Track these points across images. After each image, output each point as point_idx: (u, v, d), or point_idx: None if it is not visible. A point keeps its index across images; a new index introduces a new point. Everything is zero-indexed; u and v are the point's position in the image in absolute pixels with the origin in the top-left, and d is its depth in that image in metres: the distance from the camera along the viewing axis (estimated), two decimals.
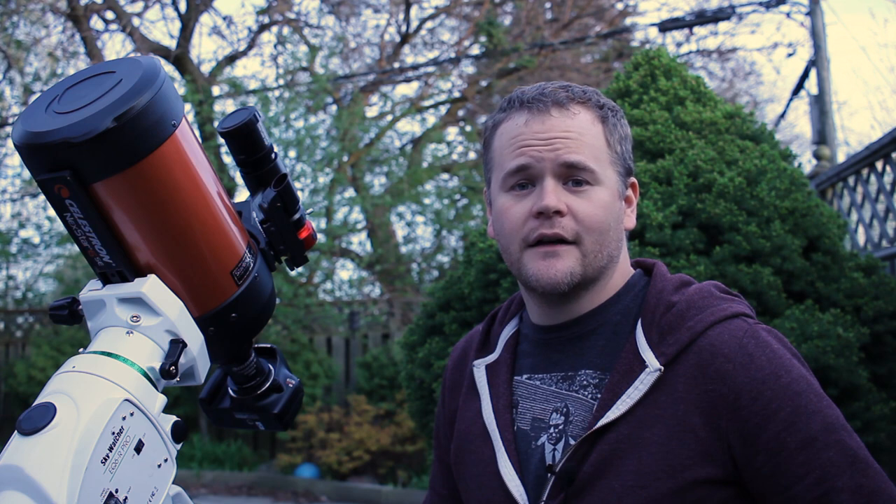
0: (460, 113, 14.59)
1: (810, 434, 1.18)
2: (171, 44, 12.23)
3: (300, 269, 10.30)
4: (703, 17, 11.88)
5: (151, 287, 0.92)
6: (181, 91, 10.38)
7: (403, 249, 13.55)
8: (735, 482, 1.22)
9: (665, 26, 11.59)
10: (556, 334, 1.37)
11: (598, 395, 1.28)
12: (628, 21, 14.53)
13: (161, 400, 0.90)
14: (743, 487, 1.22)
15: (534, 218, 1.29)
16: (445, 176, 14.38)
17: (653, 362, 1.24)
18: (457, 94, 14.15)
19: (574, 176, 1.29)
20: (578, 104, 1.33)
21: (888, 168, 5.21)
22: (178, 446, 0.91)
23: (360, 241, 13.92)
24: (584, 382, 1.31)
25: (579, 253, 1.29)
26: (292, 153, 10.98)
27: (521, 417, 1.37)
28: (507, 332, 1.47)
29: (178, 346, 0.92)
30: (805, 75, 10.66)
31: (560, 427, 1.31)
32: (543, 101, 1.32)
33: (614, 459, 1.22)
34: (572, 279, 1.29)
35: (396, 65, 14.12)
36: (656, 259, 2.99)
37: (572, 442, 1.27)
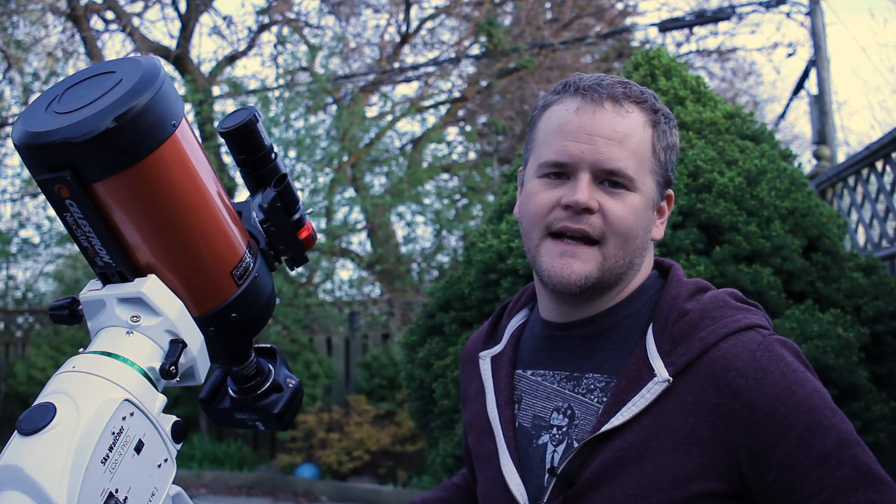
0: (460, 113, 14.59)
1: (824, 451, 1.16)
2: (171, 44, 12.24)
3: (300, 269, 10.30)
4: (703, 17, 11.88)
5: (151, 287, 0.92)
6: (181, 91, 10.38)
7: (403, 249, 13.55)
8: (739, 496, 1.20)
9: (665, 26, 11.59)
10: (564, 332, 1.35)
11: (605, 400, 1.26)
12: (628, 21, 14.53)
13: (161, 400, 0.90)
14: (747, 501, 1.20)
15: (561, 209, 1.27)
16: (445, 176, 14.38)
17: (662, 372, 1.22)
18: (457, 94, 14.14)
19: (611, 178, 1.27)
20: (633, 103, 1.29)
21: (888, 168, 5.21)
22: (178, 446, 0.91)
23: (360, 241, 13.93)
24: (591, 386, 1.29)
25: (601, 256, 1.26)
26: (292, 153, 10.98)
27: (523, 414, 1.35)
28: (515, 323, 1.45)
29: (178, 346, 0.92)
30: (805, 75, 10.66)
31: (564, 429, 1.29)
32: (599, 91, 1.28)
33: (618, 467, 1.21)
34: (586, 283, 1.26)
35: (396, 65, 14.11)
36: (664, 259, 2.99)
37: (576, 445, 1.26)
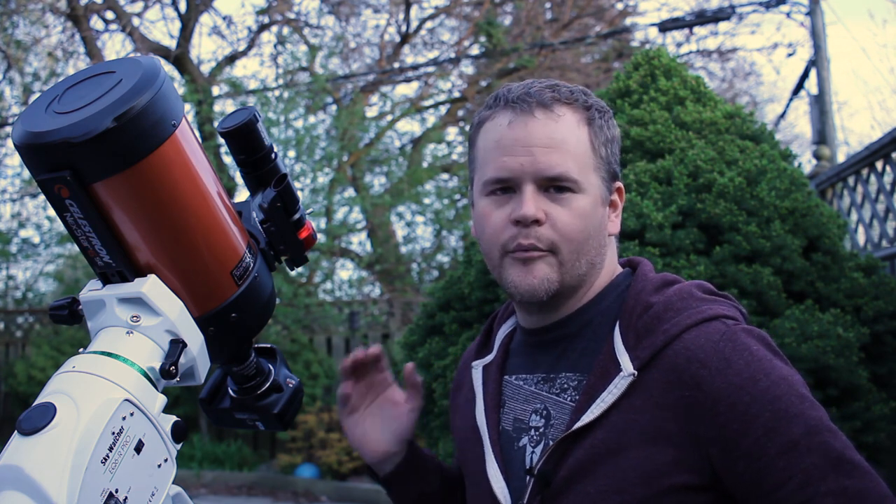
0: (460, 113, 14.58)
1: (791, 439, 1.15)
2: (171, 44, 12.25)
3: (300, 269, 10.30)
4: (703, 17, 11.88)
5: (151, 287, 0.92)
6: (181, 91, 10.37)
7: (403, 249, 13.55)
8: (713, 488, 1.20)
9: (665, 26, 11.59)
10: (540, 336, 1.36)
11: (577, 398, 1.27)
12: (628, 21, 14.53)
13: (161, 400, 0.90)
14: (722, 493, 1.20)
15: (512, 225, 1.28)
16: (445, 176, 14.37)
17: (627, 366, 1.22)
18: (457, 94, 14.15)
19: (555, 185, 1.27)
20: (564, 105, 1.29)
21: (888, 168, 5.21)
22: (178, 446, 0.91)
23: (360, 241, 13.93)
24: (564, 385, 1.30)
25: (557, 262, 1.27)
26: (292, 153, 10.98)
27: (505, 418, 1.37)
28: (503, 332, 1.47)
29: (178, 346, 0.92)
30: (805, 75, 10.66)
31: (541, 430, 1.30)
32: (528, 101, 1.29)
33: (590, 464, 1.21)
34: (549, 287, 1.27)
35: (396, 65, 14.11)
36: (656, 259, 3.00)
37: (551, 445, 1.26)
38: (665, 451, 1.18)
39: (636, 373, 1.21)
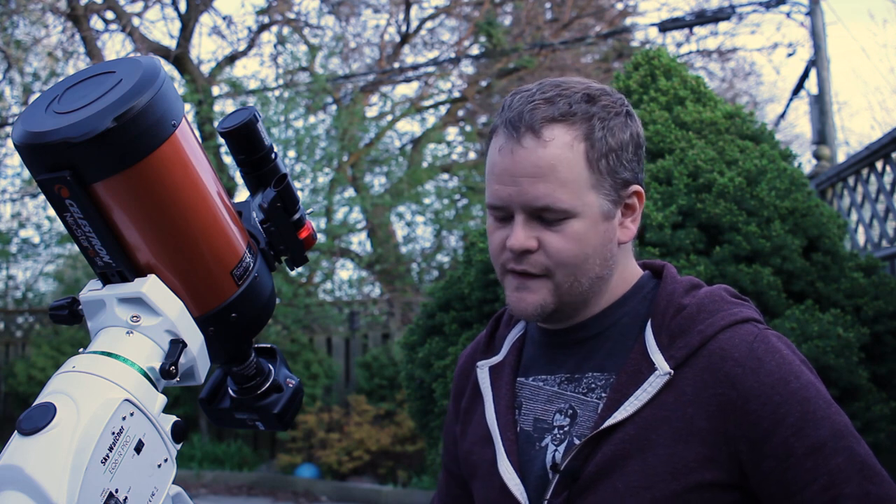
0: (460, 113, 14.58)
1: (818, 440, 1.18)
2: (171, 44, 12.23)
3: (300, 269, 10.30)
4: (703, 17, 11.88)
5: (151, 287, 0.92)
6: (181, 91, 10.37)
7: (403, 249, 13.54)
8: (741, 486, 1.22)
9: (665, 26, 11.59)
10: (562, 337, 1.37)
11: (604, 396, 1.28)
12: (628, 21, 14.53)
13: (161, 400, 0.90)
14: (749, 492, 1.23)
15: (508, 250, 1.29)
16: (445, 176, 14.37)
17: (662, 365, 1.24)
18: (457, 94, 14.14)
19: (544, 215, 1.25)
20: (557, 124, 1.24)
21: (888, 168, 5.21)
22: (178, 446, 0.91)
23: (359, 241, 13.92)
24: (592, 385, 1.31)
25: (552, 285, 1.28)
26: (292, 153, 10.98)
27: (524, 419, 1.37)
28: (514, 334, 1.46)
29: (178, 346, 0.92)
30: (805, 75, 10.67)
31: (565, 429, 1.31)
32: (518, 125, 1.25)
33: (619, 460, 1.22)
34: (543, 311, 1.29)
35: (396, 65, 14.11)
36: (656, 259, 2.99)
37: (577, 442, 1.27)
38: (695, 448, 1.20)
39: (672, 372, 1.23)
